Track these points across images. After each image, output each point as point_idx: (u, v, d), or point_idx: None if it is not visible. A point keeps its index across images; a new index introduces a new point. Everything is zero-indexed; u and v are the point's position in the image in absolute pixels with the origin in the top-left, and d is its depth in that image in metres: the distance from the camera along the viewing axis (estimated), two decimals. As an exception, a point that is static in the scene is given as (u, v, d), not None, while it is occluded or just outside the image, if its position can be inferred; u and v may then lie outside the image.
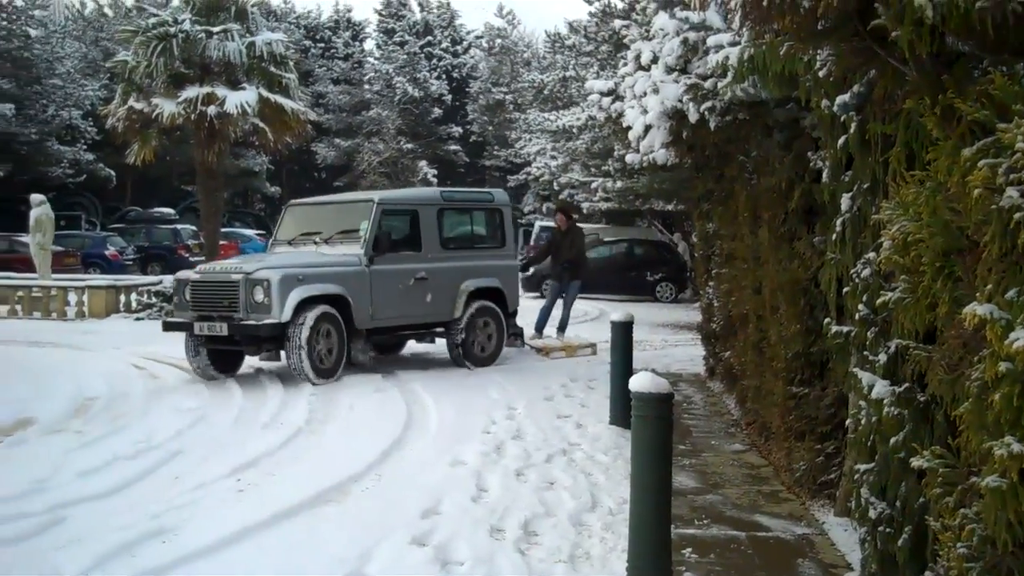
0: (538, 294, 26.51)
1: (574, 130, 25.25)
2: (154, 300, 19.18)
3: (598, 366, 12.86)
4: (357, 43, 54.11)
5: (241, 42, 20.46)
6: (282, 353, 11.81)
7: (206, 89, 19.76)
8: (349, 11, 55.04)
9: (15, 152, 38.81)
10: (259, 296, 11.18)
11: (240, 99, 19.65)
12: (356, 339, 12.14)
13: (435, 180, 46.67)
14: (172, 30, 19.95)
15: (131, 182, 42.53)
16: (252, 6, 21.84)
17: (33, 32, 40.97)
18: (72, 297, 20.25)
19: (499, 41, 50.15)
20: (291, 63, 21.92)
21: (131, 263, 32.31)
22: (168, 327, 12.21)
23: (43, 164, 39.67)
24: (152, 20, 20.43)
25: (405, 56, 47.89)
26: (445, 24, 53.83)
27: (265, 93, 20.23)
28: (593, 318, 21.29)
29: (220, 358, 12.10)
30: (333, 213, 13.27)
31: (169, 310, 12.03)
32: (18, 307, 20.26)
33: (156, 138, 20.90)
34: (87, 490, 7.05)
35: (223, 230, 35.45)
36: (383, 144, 46.00)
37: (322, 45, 52.01)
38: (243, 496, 6.96)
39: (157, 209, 36.73)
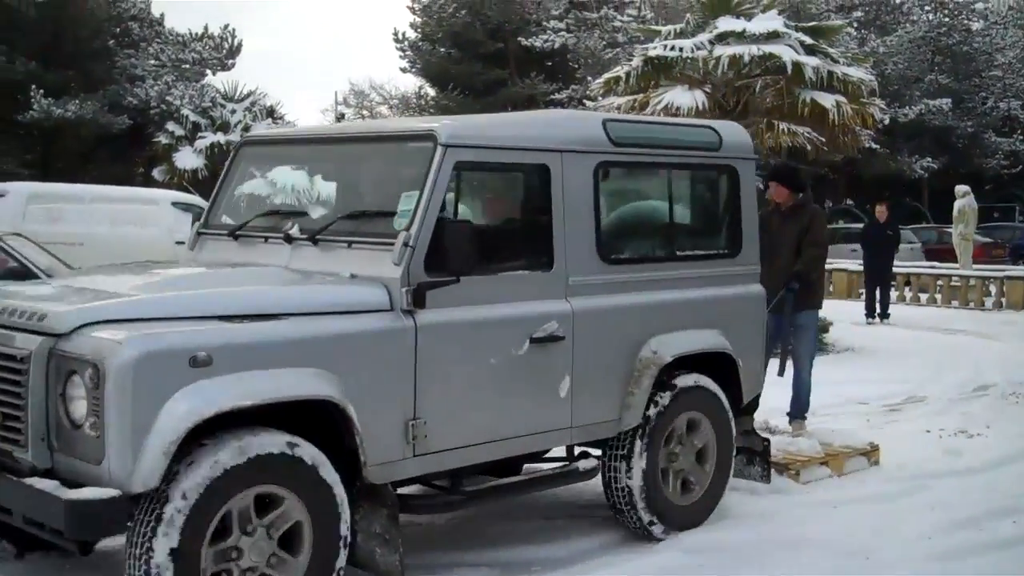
0: None
1: None
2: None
3: None
4: None
5: None
6: None
7: None
8: None
9: (951, 145, 39.40)
10: (77, 407, 3.94)
11: None
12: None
13: None
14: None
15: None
16: None
17: (974, 25, 41.14)
18: (992, 287, 20.02)
19: None
20: None
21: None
22: None
23: (978, 156, 39.71)
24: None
25: None
26: None
27: None
28: None
29: None
30: (336, 166, 5.74)
31: None
32: (937, 296, 20.48)
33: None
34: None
35: None
36: None
37: None
38: None
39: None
